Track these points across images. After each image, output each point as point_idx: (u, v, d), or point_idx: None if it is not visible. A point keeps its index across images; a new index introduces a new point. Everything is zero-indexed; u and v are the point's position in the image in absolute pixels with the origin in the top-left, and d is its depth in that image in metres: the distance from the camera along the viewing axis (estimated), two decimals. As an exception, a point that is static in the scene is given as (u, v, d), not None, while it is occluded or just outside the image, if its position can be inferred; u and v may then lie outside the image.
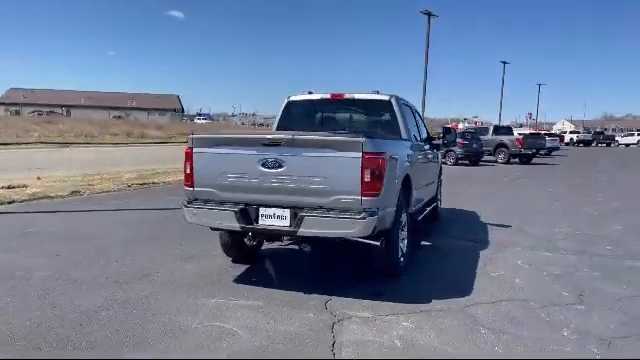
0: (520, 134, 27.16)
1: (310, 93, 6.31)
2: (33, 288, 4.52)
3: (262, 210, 4.44)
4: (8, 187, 10.49)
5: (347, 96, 6.09)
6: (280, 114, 6.38)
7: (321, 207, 4.26)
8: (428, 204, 7.17)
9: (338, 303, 4.28)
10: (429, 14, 34.92)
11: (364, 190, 4.14)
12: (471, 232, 7.45)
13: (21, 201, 9.25)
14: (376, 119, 6.21)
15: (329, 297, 4.41)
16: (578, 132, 66.51)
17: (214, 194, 4.58)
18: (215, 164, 4.55)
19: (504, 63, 57.23)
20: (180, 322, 3.80)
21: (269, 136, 4.45)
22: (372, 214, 4.15)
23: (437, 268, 5.54)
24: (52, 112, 67.84)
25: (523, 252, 6.23)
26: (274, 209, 4.40)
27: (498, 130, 26.92)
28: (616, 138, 64.28)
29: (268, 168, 4.34)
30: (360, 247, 4.63)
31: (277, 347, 3.42)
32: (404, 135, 5.81)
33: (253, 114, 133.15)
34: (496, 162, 24.69)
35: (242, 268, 5.29)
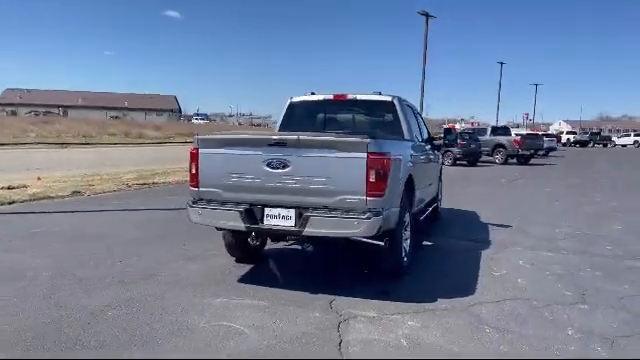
0: (518, 135, 27.26)
1: (313, 94, 6.34)
2: (40, 288, 4.53)
3: (267, 210, 4.46)
4: (8, 187, 10.48)
5: (349, 97, 6.12)
6: (283, 115, 6.41)
7: (326, 207, 4.29)
8: (429, 204, 7.21)
9: (343, 302, 4.31)
10: (427, 15, 35.01)
11: (369, 190, 4.17)
12: (472, 232, 7.49)
13: (22, 201, 9.25)
14: (379, 120, 6.24)
15: (334, 297, 4.44)
16: (575, 133, 66.83)
17: (219, 194, 4.61)
18: (220, 164, 4.58)
19: (501, 64, 57.37)
20: (187, 321, 3.83)
21: (275, 137, 4.48)
22: (377, 214, 4.19)
23: (440, 268, 5.58)
24: (49, 112, 67.65)
25: (524, 252, 6.27)
26: (279, 209, 4.43)
27: (496, 131, 27.02)
28: (612, 139, 64.60)
29: (273, 168, 4.37)
30: (364, 247, 4.66)
31: (285, 346, 3.45)
32: (407, 136, 5.85)
33: (250, 114, 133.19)
34: (494, 162, 24.77)
35: (246, 268, 5.31)
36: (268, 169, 4.38)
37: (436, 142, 7.74)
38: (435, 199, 7.87)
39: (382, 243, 4.53)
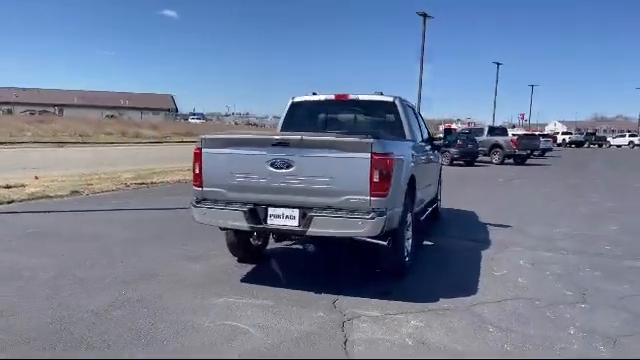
0: (515, 135, 27.36)
1: (314, 94, 6.36)
2: (41, 288, 4.52)
3: (271, 210, 4.48)
4: (6, 187, 10.43)
5: (351, 97, 6.14)
6: (284, 115, 6.43)
7: (330, 207, 4.30)
8: (430, 204, 7.24)
9: (346, 302, 4.32)
10: (424, 15, 35.08)
11: (373, 190, 4.19)
12: (471, 232, 7.52)
13: (20, 201, 9.21)
14: (380, 120, 6.26)
15: (336, 296, 4.45)
16: (570, 133, 67.10)
17: (223, 194, 4.62)
18: (224, 164, 4.59)
19: (497, 64, 57.53)
20: (192, 321, 3.83)
21: (278, 137, 4.49)
22: (381, 214, 4.20)
23: (441, 267, 5.60)
24: (45, 111, 67.33)
25: (524, 252, 6.31)
26: (283, 209, 4.44)
27: (493, 131, 27.10)
28: (608, 139, 64.92)
29: (277, 168, 4.38)
30: (366, 247, 4.68)
31: (290, 345, 3.46)
32: (408, 136, 5.87)
33: (247, 114, 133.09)
34: (491, 163, 24.86)
35: (248, 268, 5.32)
36: (272, 169, 4.39)
37: (436, 142, 7.77)
38: (435, 199, 7.90)
39: (385, 243, 4.55)
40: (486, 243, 6.76)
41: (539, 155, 30.69)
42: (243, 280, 4.93)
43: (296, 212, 4.39)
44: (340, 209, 4.28)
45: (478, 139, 24.40)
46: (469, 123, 74.97)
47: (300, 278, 5.05)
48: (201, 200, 4.71)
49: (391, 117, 6.03)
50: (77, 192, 10.54)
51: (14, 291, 4.44)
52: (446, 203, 9.40)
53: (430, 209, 7.24)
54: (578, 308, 4.32)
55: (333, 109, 6.50)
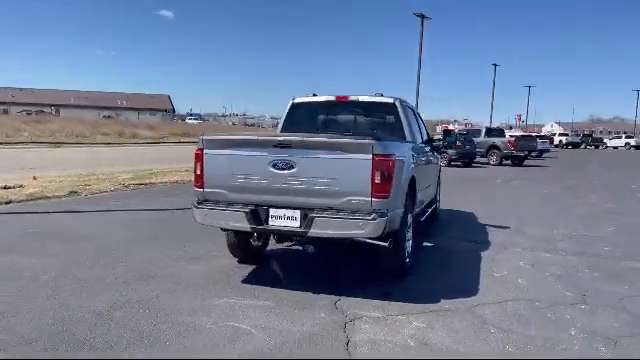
0: (512, 136, 27.42)
1: (314, 95, 6.36)
2: (41, 289, 4.52)
3: (272, 211, 4.48)
4: (4, 187, 10.40)
5: (352, 98, 6.15)
6: (285, 116, 6.43)
7: (331, 208, 4.31)
8: (429, 205, 7.26)
9: (347, 303, 4.33)
10: (422, 16, 35.12)
11: (374, 192, 4.20)
12: (471, 233, 7.54)
13: (19, 201, 9.19)
14: (380, 121, 6.27)
15: (338, 297, 4.46)
16: (567, 134, 67.40)
17: (224, 195, 4.62)
18: (225, 165, 4.59)
19: (495, 65, 57.63)
20: (194, 322, 3.83)
21: (280, 138, 4.49)
22: (382, 215, 4.21)
23: (441, 269, 5.62)
24: (41, 111, 67.13)
25: (524, 253, 6.33)
26: (284, 210, 4.44)
27: (490, 132, 27.16)
28: (604, 140, 65.21)
29: (279, 169, 4.39)
30: (367, 248, 4.69)
31: (293, 347, 3.46)
32: (408, 137, 5.89)
33: (244, 114, 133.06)
34: (488, 164, 24.91)
35: (249, 269, 5.32)
36: (273, 170, 4.39)
37: (435, 143, 7.78)
38: (434, 200, 7.92)
39: (386, 244, 4.57)
40: (485, 244, 6.78)
41: (536, 156, 30.82)
42: (244, 281, 4.93)
43: (297, 213, 4.40)
44: (341, 210, 4.28)
45: (476, 140, 24.45)
46: (466, 124, 75.12)
47: (301, 279, 5.05)
48: (202, 201, 4.71)
49: (391, 118, 6.04)
50: (75, 193, 10.51)
51: (15, 291, 4.44)
52: (445, 204, 9.43)
53: (430, 210, 7.25)
54: (578, 309, 4.34)
55: (333, 110, 6.51)
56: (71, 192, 10.46)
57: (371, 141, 4.18)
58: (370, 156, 4.16)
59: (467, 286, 4.88)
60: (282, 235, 4.88)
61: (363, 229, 4.20)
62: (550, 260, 6.01)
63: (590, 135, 68.55)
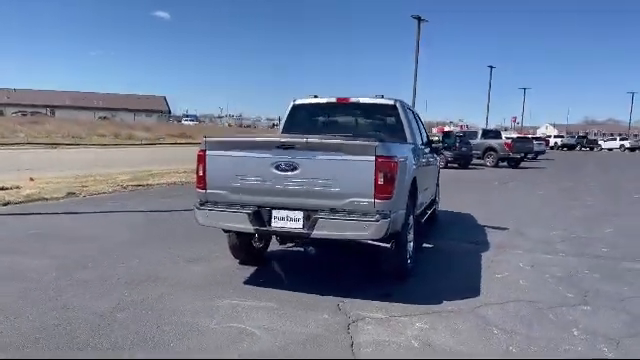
0: (508, 138, 27.52)
1: (315, 97, 6.38)
2: (44, 290, 4.50)
3: (275, 212, 4.48)
4: (1, 188, 10.35)
5: (353, 100, 6.17)
6: (286, 117, 6.44)
7: (334, 209, 4.32)
8: (429, 206, 7.28)
9: (350, 304, 4.34)
10: (419, 19, 35.27)
11: (377, 193, 4.21)
12: (470, 234, 7.57)
13: (16, 203, 9.15)
14: (382, 123, 6.28)
15: (340, 298, 4.46)
16: (562, 136, 67.66)
17: (226, 196, 4.62)
18: (228, 167, 4.59)
19: (490, 67, 57.91)
20: (198, 323, 3.83)
21: (283, 139, 4.50)
22: (385, 217, 4.23)
23: (442, 270, 5.64)
24: (36, 112, 66.80)
25: (523, 254, 6.35)
26: (287, 211, 4.45)
27: (487, 134, 27.25)
28: (599, 142, 65.58)
29: (281, 171, 4.39)
30: (369, 249, 4.70)
31: (297, 348, 3.47)
32: (409, 139, 5.91)
33: (240, 116, 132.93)
34: (485, 165, 25.00)
35: (250, 270, 5.32)
36: (276, 171, 4.40)
37: (435, 145, 7.81)
38: (434, 201, 7.94)
39: (388, 245, 4.58)
40: (485, 245, 6.81)
41: (532, 158, 30.94)
42: (246, 282, 4.93)
43: (300, 214, 4.40)
44: (344, 211, 4.29)
45: (472, 142, 24.52)
46: (462, 126, 75.39)
47: (302, 280, 5.05)
48: (205, 202, 4.71)
49: (392, 120, 6.06)
50: (73, 194, 10.48)
51: (17, 292, 4.42)
52: (443, 205, 9.46)
53: (429, 212, 7.27)
54: (580, 310, 4.37)
55: (334, 112, 6.52)
56: (69, 193, 10.42)
57: (374, 143, 4.20)
58: (373, 158, 4.17)
59: (468, 287, 4.90)
60: (285, 236, 4.89)
61: (366, 230, 4.21)
62: (550, 261, 6.04)
63: (585, 137, 68.92)
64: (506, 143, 25.20)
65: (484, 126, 51.64)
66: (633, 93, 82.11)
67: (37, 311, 3.99)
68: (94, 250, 5.97)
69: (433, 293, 4.67)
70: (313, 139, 4.42)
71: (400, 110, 6.00)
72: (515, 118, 78.03)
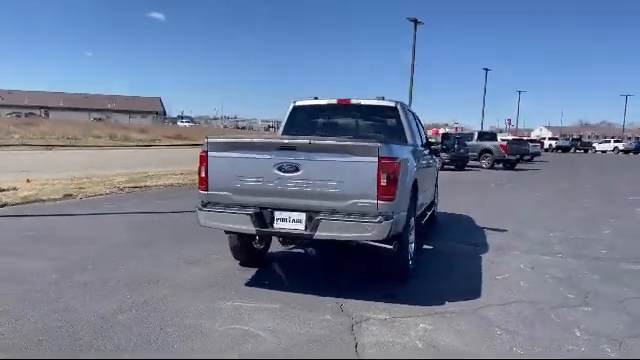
0: (504, 140, 27.63)
1: (316, 98, 6.38)
2: (44, 292, 4.48)
3: (277, 214, 4.48)
4: (-2, 190, 10.29)
5: (353, 102, 6.18)
6: (286, 119, 6.44)
7: (336, 211, 4.32)
8: (428, 208, 7.29)
9: (352, 305, 4.33)
10: (415, 21, 35.37)
11: (380, 194, 4.21)
12: (469, 236, 7.59)
13: (14, 204, 9.10)
14: (382, 125, 6.29)
15: (342, 299, 4.46)
16: (557, 138, 68.08)
17: (229, 197, 4.61)
18: (230, 168, 4.58)
19: (486, 70, 58.11)
20: (201, 325, 3.82)
21: (286, 140, 4.51)
22: (388, 218, 4.23)
23: (442, 271, 5.65)
24: (31, 114, 66.51)
25: (523, 256, 6.38)
26: (289, 212, 4.44)
27: (483, 136, 27.36)
28: (593, 144, 66.00)
29: (284, 172, 4.39)
30: (368, 250, 4.70)
31: (302, 349, 3.47)
32: (410, 140, 5.92)
33: (235, 117, 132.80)
34: (481, 167, 25.08)
35: (252, 271, 5.31)
36: (279, 172, 4.40)
37: (434, 147, 7.82)
38: (433, 203, 7.96)
39: (391, 247, 4.58)
40: (484, 247, 6.83)
41: (528, 160, 31.06)
42: (247, 284, 4.92)
43: (303, 216, 4.40)
44: (347, 213, 4.29)
45: (468, 144, 24.60)
46: (456, 128, 75.60)
47: (304, 281, 5.05)
48: (207, 203, 4.70)
49: (393, 122, 6.07)
50: (70, 195, 10.43)
51: (18, 294, 4.39)
52: (441, 207, 9.47)
53: (429, 213, 7.29)
54: (581, 311, 4.39)
55: (335, 113, 6.52)
56: (66, 195, 10.37)
57: (377, 144, 4.21)
58: (376, 159, 4.18)
59: (470, 288, 4.91)
60: (287, 238, 4.88)
61: (369, 232, 4.22)
62: (549, 263, 6.06)
63: (579, 139, 69.41)
64: (502, 145, 25.30)
65: (478, 128, 51.84)
66: (627, 96, 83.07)
67: (38, 313, 3.96)
68: (93, 252, 5.95)
69: (435, 294, 4.68)
70: (316, 140, 4.42)
71: (401, 112, 6.01)
72: (510, 120, 78.14)
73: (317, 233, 4.31)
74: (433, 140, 8.31)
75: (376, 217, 4.21)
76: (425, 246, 6.72)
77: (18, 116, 62.57)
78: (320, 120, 6.52)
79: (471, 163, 25.08)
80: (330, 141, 4.45)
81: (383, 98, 6.16)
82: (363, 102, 6.15)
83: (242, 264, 5.50)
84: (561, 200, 12.88)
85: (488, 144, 25.75)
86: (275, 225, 4.49)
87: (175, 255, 5.88)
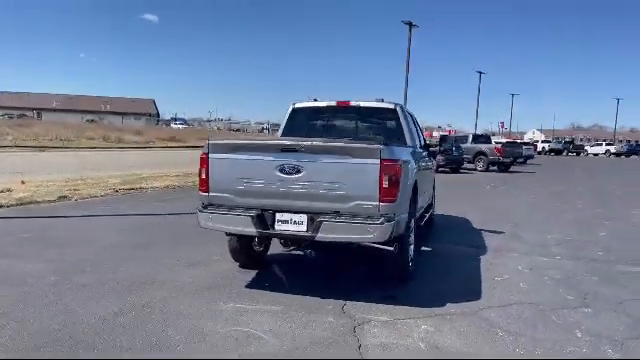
0: (498, 143, 27.79)
1: (315, 100, 6.38)
2: (43, 294, 4.44)
3: (278, 215, 4.47)
4: (-7, 191, 10.20)
5: (353, 104, 6.19)
6: (285, 121, 6.43)
7: (338, 212, 4.32)
8: (427, 210, 7.31)
9: (354, 307, 4.33)
10: (410, 24, 35.51)
11: (382, 196, 4.21)
12: (467, 238, 7.61)
13: (9, 206, 9.02)
14: (382, 127, 6.30)
15: (343, 301, 4.46)
16: (549, 141, 68.58)
17: (230, 199, 4.59)
18: (231, 169, 4.57)
19: (480, 73, 58.45)
20: (202, 327, 3.80)
21: (287, 142, 4.50)
22: (389, 220, 4.23)
23: (442, 273, 5.66)
24: (23, 115, 66.00)
25: (521, 257, 6.40)
26: (291, 214, 4.44)
27: (477, 138, 27.51)
28: (585, 147, 66.51)
29: (285, 174, 4.38)
30: (368, 252, 4.70)
31: (305, 351, 3.46)
32: (409, 142, 5.94)
33: (229, 119, 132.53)
34: (475, 170, 25.18)
35: (251, 273, 5.29)
36: (280, 174, 4.39)
37: (432, 149, 7.85)
38: (431, 205, 7.98)
39: (392, 248, 4.58)
40: (483, 249, 6.85)
41: (522, 162, 31.22)
42: (248, 286, 4.90)
43: (304, 217, 4.39)
44: (349, 214, 4.29)
45: (462, 146, 24.70)
46: (450, 130, 75.91)
47: (304, 283, 5.04)
48: (207, 205, 4.68)
49: (392, 124, 6.09)
50: (65, 197, 10.35)
51: (17, 296, 4.35)
52: (438, 209, 9.49)
53: (427, 215, 7.31)
54: (581, 312, 4.41)
55: (334, 115, 6.53)
56: (61, 197, 10.30)
57: (379, 146, 4.21)
58: (378, 161, 4.18)
59: (470, 290, 4.92)
60: (288, 239, 4.87)
61: (371, 233, 4.22)
62: (547, 264, 6.09)
63: (572, 142, 69.98)
64: (496, 148, 25.45)
65: (472, 131, 52.03)
66: (618, 99, 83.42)
67: (39, 315, 3.93)
68: (91, 254, 5.91)
69: (435, 296, 4.69)
70: (318, 142, 4.42)
71: (400, 114, 6.03)
72: (503, 123, 78.52)
73: (319, 235, 4.30)
74: (433, 142, 8.36)
75: (378, 219, 4.21)
76: (424, 248, 6.73)
77: (11, 117, 62.12)
78: (319, 122, 6.52)
79: (465, 165, 25.19)
80: (332, 143, 4.45)
81: (382, 100, 6.18)
82: (362, 104, 6.16)
83: (242, 266, 5.48)
84: (555, 202, 12.95)
85: (483, 147, 25.90)
86: (276, 227, 4.48)
87: (174, 257, 5.85)
